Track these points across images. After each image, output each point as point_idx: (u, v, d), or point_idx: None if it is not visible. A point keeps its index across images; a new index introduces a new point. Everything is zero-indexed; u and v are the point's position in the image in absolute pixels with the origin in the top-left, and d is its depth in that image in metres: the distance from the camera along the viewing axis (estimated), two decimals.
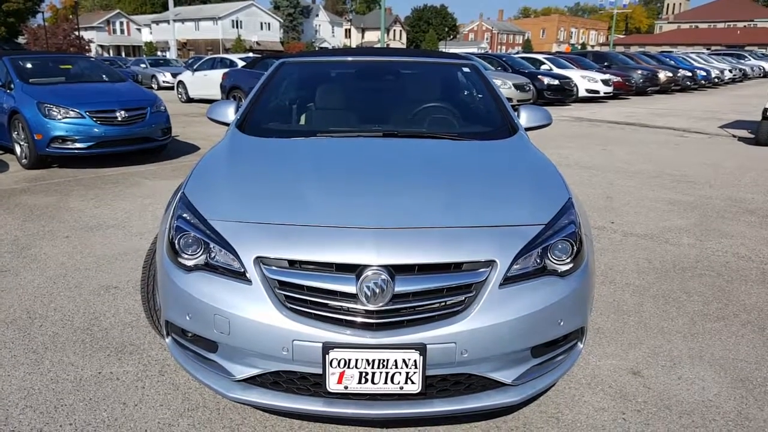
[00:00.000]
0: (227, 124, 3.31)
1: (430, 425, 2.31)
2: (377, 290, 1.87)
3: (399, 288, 1.90)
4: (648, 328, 3.16)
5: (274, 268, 1.96)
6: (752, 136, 10.19)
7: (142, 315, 3.21)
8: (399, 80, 3.70)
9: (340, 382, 1.90)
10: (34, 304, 3.37)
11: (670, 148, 9.35)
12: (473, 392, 2.02)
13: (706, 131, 11.31)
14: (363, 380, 1.90)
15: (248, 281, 1.96)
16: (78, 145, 7.07)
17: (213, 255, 2.06)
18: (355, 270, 1.91)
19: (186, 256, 2.10)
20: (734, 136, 10.69)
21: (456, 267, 1.95)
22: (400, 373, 1.89)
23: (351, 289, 1.90)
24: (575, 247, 2.13)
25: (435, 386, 1.98)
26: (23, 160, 7.32)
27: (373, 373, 1.89)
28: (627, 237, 4.73)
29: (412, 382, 1.90)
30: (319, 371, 1.92)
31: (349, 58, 3.83)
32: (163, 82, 23.20)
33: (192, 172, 2.56)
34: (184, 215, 2.21)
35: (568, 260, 2.11)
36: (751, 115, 13.22)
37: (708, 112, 15.10)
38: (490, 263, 1.97)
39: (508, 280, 1.98)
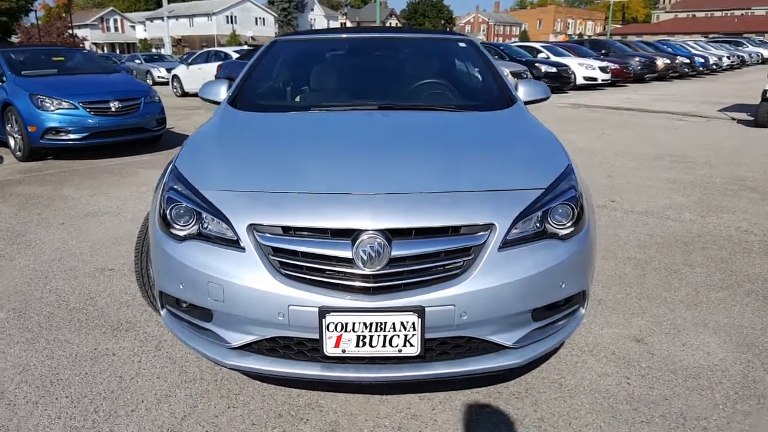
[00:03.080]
0: (219, 103, 3.26)
1: (429, 391, 2.28)
2: (373, 254, 1.83)
3: (396, 252, 1.85)
4: (651, 298, 3.12)
5: (267, 235, 1.92)
6: (752, 118, 10.13)
7: (138, 295, 3.17)
8: (395, 57, 3.64)
9: (337, 345, 1.86)
10: (29, 287, 3.33)
11: (670, 131, 9.30)
12: (473, 355, 1.98)
13: (705, 115, 11.26)
14: (361, 344, 1.86)
15: (242, 249, 1.92)
16: (72, 136, 7.00)
17: (205, 225, 2.02)
18: (350, 235, 1.87)
19: (178, 226, 2.06)
20: (733, 119, 10.64)
21: (454, 231, 1.91)
22: (398, 336, 1.85)
23: (347, 254, 1.85)
24: (576, 211, 2.08)
25: (434, 349, 1.94)
26: (17, 153, 7.25)
27: (371, 337, 1.85)
28: (628, 214, 4.69)
29: (411, 345, 1.86)
30: (316, 336, 1.88)
31: (344, 36, 3.78)
32: (158, 77, 23.06)
33: (184, 145, 2.52)
34: (176, 186, 2.17)
35: (569, 224, 2.06)
36: (750, 99, 13.15)
37: (706, 97, 15.04)
38: (488, 227, 1.93)
39: (507, 244, 1.93)
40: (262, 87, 3.31)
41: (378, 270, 1.84)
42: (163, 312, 2.23)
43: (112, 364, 2.50)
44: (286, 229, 1.91)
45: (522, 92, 3.12)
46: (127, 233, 4.28)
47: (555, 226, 2.03)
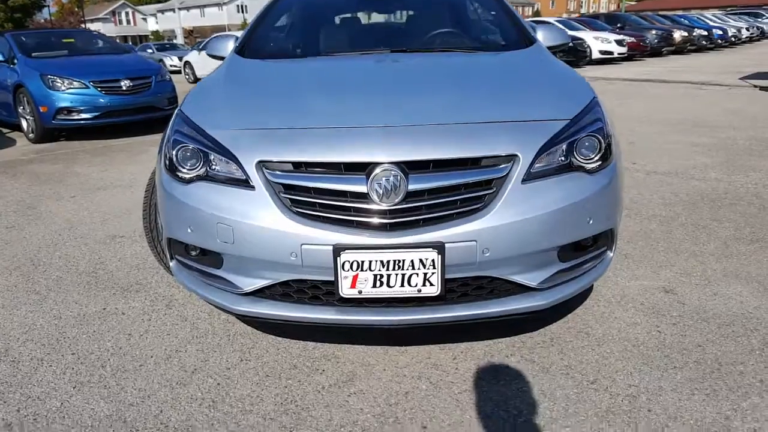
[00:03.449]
0: None
1: (450, 342, 2.18)
2: (389, 188, 1.73)
3: (413, 186, 1.75)
4: (678, 252, 2.99)
5: (277, 172, 1.82)
6: None
7: (149, 258, 3.11)
8: (406, 5, 3.51)
9: (353, 286, 1.77)
10: (38, 254, 3.28)
11: (690, 99, 9.04)
12: (496, 297, 1.88)
13: (726, 83, 10.92)
14: (378, 283, 1.76)
15: (251, 187, 1.82)
16: (84, 115, 6.97)
17: (213, 166, 1.93)
18: (365, 169, 1.76)
19: (185, 169, 1.97)
20: (755, 86, 10.31)
21: (474, 163, 1.80)
22: (417, 274, 1.75)
23: (362, 188, 1.75)
24: (603, 145, 1.96)
25: (455, 291, 1.84)
26: (30, 135, 7.24)
27: (389, 276, 1.75)
28: (650, 175, 4.53)
29: (431, 284, 1.76)
30: (331, 278, 1.78)
31: None
32: (171, 65, 23.04)
33: (189, 92, 2.42)
34: (182, 129, 2.08)
35: (596, 158, 1.94)
36: None
37: (726, 67, 14.63)
38: (511, 158, 1.81)
39: (531, 176, 1.82)
40: (270, 37, 3.20)
41: (395, 205, 1.73)
42: (172, 263, 2.15)
43: (121, 323, 2.44)
44: (297, 165, 1.81)
45: (541, 36, 2.98)
46: (138, 205, 4.19)
47: (581, 159, 1.91)
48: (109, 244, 3.39)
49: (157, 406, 1.87)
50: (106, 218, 3.92)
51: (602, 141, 1.96)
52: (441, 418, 1.78)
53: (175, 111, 2.29)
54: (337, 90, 2.22)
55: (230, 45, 3.15)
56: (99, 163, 5.83)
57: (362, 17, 3.46)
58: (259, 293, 1.92)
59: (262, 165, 1.83)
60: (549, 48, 3.03)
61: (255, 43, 3.01)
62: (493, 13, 3.26)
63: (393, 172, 1.74)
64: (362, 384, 1.96)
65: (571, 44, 16.30)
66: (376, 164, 1.75)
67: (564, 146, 1.89)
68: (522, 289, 1.89)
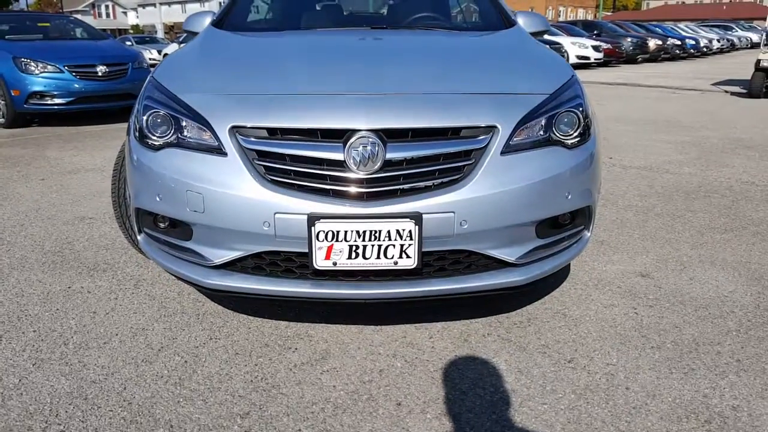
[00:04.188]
0: None
1: (426, 321, 2.14)
2: (367, 156, 1.68)
3: (391, 154, 1.71)
4: (654, 239, 3.00)
5: (252, 138, 1.76)
6: (744, 91, 10.02)
7: (117, 239, 3.01)
8: None
9: (328, 257, 1.71)
10: (2, 234, 3.15)
11: (664, 101, 9.18)
12: (474, 272, 1.84)
13: (699, 88, 11.15)
14: (353, 255, 1.71)
15: (224, 154, 1.76)
16: (57, 100, 6.77)
17: (184, 132, 1.85)
18: (342, 136, 1.72)
19: (155, 136, 1.90)
20: (726, 91, 10.53)
21: (454, 133, 1.76)
22: (394, 245, 1.70)
23: (338, 156, 1.70)
24: (582, 121, 1.94)
25: (432, 265, 1.80)
26: (0, 120, 7.01)
27: (365, 247, 1.70)
28: (627, 169, 4.56)
29: (408, 256, 1.72)
30: (305, 250, 1.73)
31: None
32: (150, 59, 22.62)
33: (162, 60, 2.34)
34: (153, 95, 2.00)
35: (575, 134, 1.92)
36: (742, 76, 13.05)
37: (698, 74, 14.93)
38: (491, 129, 1.78)
39: (510, 148, 1.79)
40: (249, 11, 3.13)
41: (372, 173, 1.69)
42: (140, 237, 2.07)
43: (86, 301, 2.35)
44: (272, 132, 1.75)
45: (521, 22, 2.97)
46: (110, 188, 4.10)
47: (560, 134, 1.89)
48: (78, 225, 3.28)
49: (120, 383, 1.79)
50: (76, 200, 3.79)
51: (581, 117, 1.94)
52: (416, 395, 1.73)
53: (147, 78, 2.21)
54: (315, 59, 2.16)
55: (208, 20, 3.07)
56: (71, 148, 5.67)
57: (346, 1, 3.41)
58: (230, 266, 1.85)
59: (235, 131, 1.77)
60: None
61: (233, 17, 2.94)
62: None
63: (371, 140, 1.69)
64: (335, 362, 1.91)
65: (548, 47, 16.52)
66: (354, 131, 1.71)
67: (543, 120, 1.87)
68: (499, 264, 1.86)
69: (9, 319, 2.19)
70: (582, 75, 14.99)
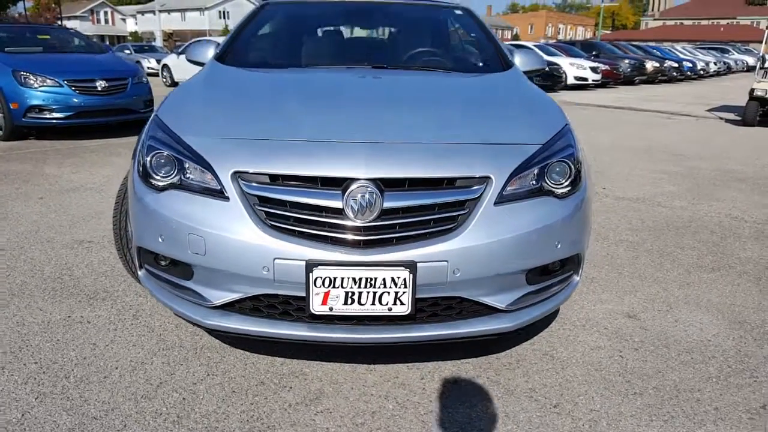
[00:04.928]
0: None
1: (419, 361, 2.20)
2: (365, 204, 1.75)
3: (388, 203, 1.77)
4: (643, 278, 3.07)
5: (253, 183, 1.82)
6: (739, 118, 10.17)
7: (116, 265, 3.06)
8: (389, 23, 3.56)
9: (324, 303, 1.77)
10: (2, 257, 3.20)
11: (658, 128, 9.32)
12: (465, 318, 1.91)
13: (694, 114, 11.31)
14: (349, 301, 1.77)
15: (225, 198, 1.82)
16: (56, 114, 6.83)
17: (187, 174, 1.92)
18: (341, 184, 1.78)
19: (158, 176, 1.96)
20: (721, 118, 10.69)
21: (449, 183, 1.84)
22: (388, 292, 1.77)
23: (337, 204, 1.77)
24: (573, 170, 2.02)
25: (425, 311, 1.87)
26: None
27: (360, 293, 1.76)
28: (619, 201, 4.65)
29: (402, 303, 1.78)
30: (302, 294, 1.79)
31: None
32: (148, 68, 22.76)
33: (166, 97, 2.41)
34: (156, 135, 2.06)
35: (566, 183, 2.00)
36: (737, 101, 13.23)
37: (695, 98, 15.14)
38: (484, 180, 1.85)
39: (503, 199, 1.86)
40: (252, 46, 3.20)
41: (369, 222, 1.75)
42: (141, 272, 2.12)
43: (86, 332, 2.39)
44: (274, 178, 1.81)
45: (518, 61, 3.06)
46: (109, 208, 4.15)
47: (552, 184, 1.96)
48: (77, 249, 3.33)
49: (120, 420, 1.84)
50: (75, 222, 3.85)
51: (572, 167, 2.02)
52: None
53: (151, 116, 2.27)
54: (316, 103, 2.24)
55: (210, 51, 3.13)
56: (70, 164, 5.72)
57: (345, 31, 3.49)
58: (229, 307, 1.91)
59: (237, 176, 1.83)
60: (525, 72, 3.11)
61: (236, 51, 3.01)
62: (473, 35, 3.34)
63: (369, 189, 1.76)
64: (329, 402, 1.96)
65: (547, 69, 16.63)
66: (353, 180, 1.77)
67: (536, 170, 1.95)
68: (490, 310, 1.92)
69: (11, 350, 2.24)
70: (579, 96, 15.21)
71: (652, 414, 1.92)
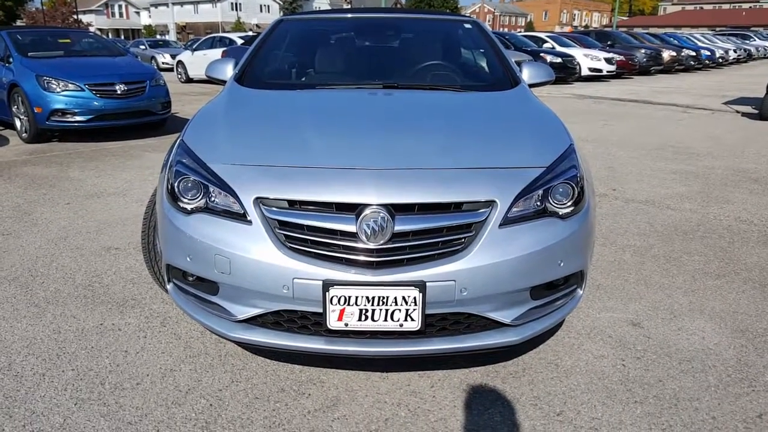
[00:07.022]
0: (224, 82, 3.29)
1: (429, 369, 2.32)
2: (377, 229, 1.87)
3: (399, 227, 1.89)
4: (648, 284, 3.16)
5: (274, 208, 1.96)
6: (756, 111, 10.09)
7: (143, 273, 3.22)
8: (400, 37, 3.67)
9: (340, 319, 1.91)
10: (35, 264, 3.38)
11: (673, 123, 9.30)
12: (472, 332, 2.03)
13: (710, 107, 11.24)
14: (363, 317, 1.90)
15: (248, 222, 1.96)
16: (78, 118, 7.05)
17: (213, 198, 2.06)
18: (354, 209, 1.91)
19: (186, 200, 2.10)
20: (738, 111, 10.62)
21: (456, 207, 1.95)
22: (399, 310, 1.89)
23: (351, 228, 1.89)
24: (576, 191, 2.12)
25: (434, 325, 1.99)
26: (23, 134, 7.30)
27: (373, 311, 1.89)
28: (628, 203, 4.72)
29: (412, 320, 1.91)
30: (320, 310, 1.93)
31: (349, 15, 3.79)
32: (163, 63, 23.03)
33: (190, 121, 2.55)
34: (183, 160, 2.21)
35: (569, 203, 2.10)
36: (755, 93, 13.11)
37: (711, 90, 15.00)
38: (490, 203, 1.97)
39: (508, 221, 1.97)
40: (268, 65, 3.35)
41: (381, 244, 1.88)
42: (169, 286, 2.27)
43: (118, 339, 2.56)
44: (292, 203, 1.95)
45: (526, 74, 3.15)
46: (133, 214, 4.33)
47: (555, 205, 2.07)
48: (105, 256, 3.50)
49: (154, 426, 2.00)
50: (101, 228, 4.02)
51: (575, 188, 2.12)
52: None
53: (177, 140, 2.41)
54: (330, 128, 2.36)
55: (229, 69, 3.29)
56: (92, 168, 5.91)
57: (357, 47, 3.61)
58: (252, 321, 2.06)
59: (259, 201, 1.97)
60: (533, 85, 3.21)
61: (253, 72, 3.15)
62: (482, 50, 3.43)
63: (381, 214, 1.88)
64: (345, 409, 2.10)
65: (560, 61, 16.53)
66: (365, 206, 1.90)
67: (540, 192, 2.05)
68: (496, 324, 2.04)
69: (49, 357, 2.41)
70: (593, 88, 15.14)
71: (651, 422, 2.03)
